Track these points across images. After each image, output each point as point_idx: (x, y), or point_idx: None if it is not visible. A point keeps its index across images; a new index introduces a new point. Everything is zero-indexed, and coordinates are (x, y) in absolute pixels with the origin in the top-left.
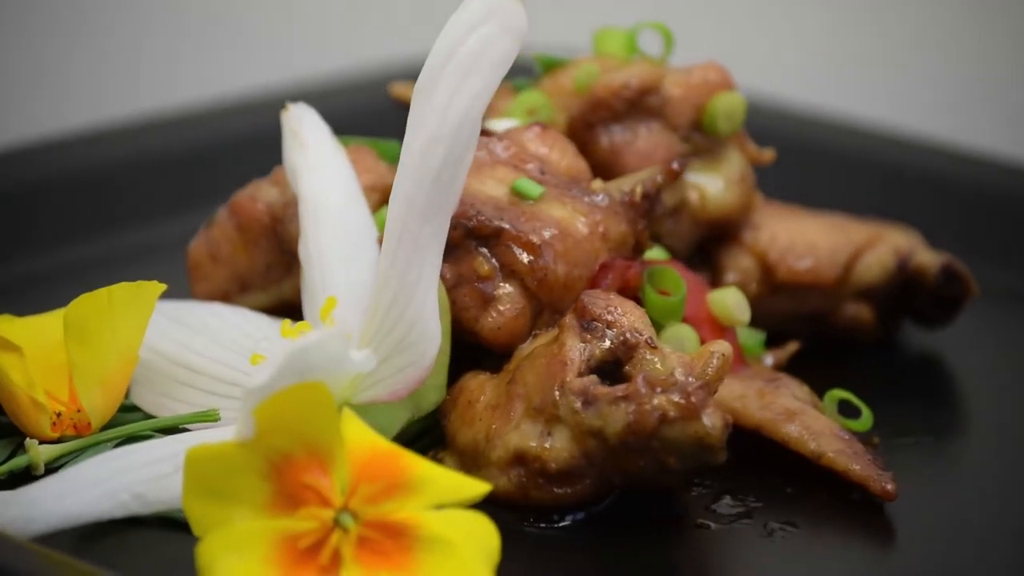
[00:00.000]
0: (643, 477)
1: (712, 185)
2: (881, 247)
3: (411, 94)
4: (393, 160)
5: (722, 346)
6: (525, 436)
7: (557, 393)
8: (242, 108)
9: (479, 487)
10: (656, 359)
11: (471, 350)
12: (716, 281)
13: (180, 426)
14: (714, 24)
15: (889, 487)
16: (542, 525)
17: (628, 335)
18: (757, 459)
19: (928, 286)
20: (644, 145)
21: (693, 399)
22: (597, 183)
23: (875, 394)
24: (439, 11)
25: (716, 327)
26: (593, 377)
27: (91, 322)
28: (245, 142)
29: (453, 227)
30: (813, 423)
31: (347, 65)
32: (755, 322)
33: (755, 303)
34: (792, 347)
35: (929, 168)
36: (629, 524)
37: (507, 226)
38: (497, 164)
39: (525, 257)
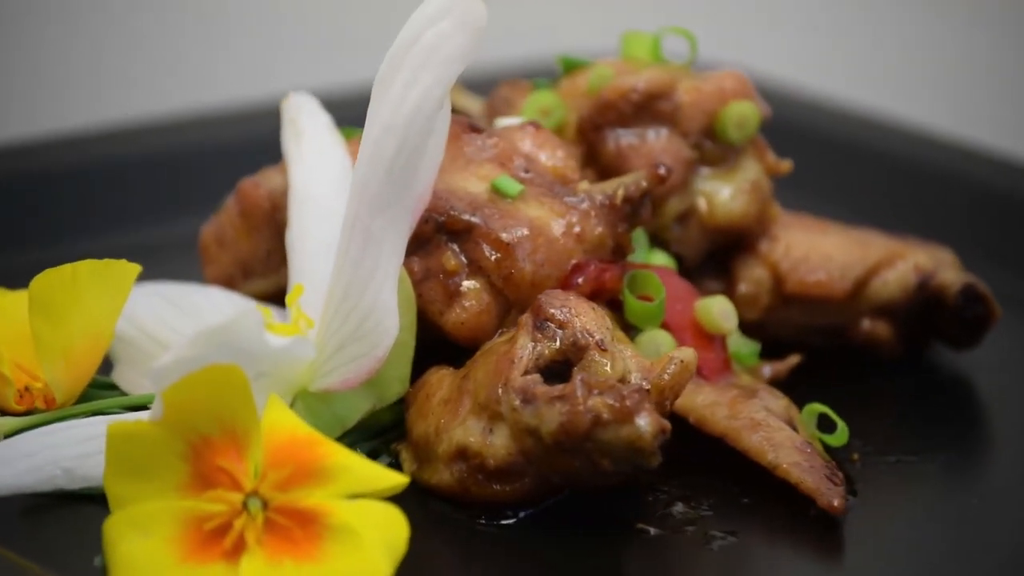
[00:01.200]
0: (580, 478)
1: (721, 193)
2: (902, 264)
3: (455, 94)
4: None
5: (684, 353)
6: (468, 432)
7: (500, 390)
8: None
9: (395, 479)
10: (606, 361)
11: (448, 345)
12: (730, 290)
13: (148, 405)
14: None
15: (836, 502)
16: (487, 522)
17: (578, 336)
18: (725, 468)
19: (949, 306)
20: (650, 150)
21: (627, 402)
22: (583, 184)
23: (879, 411)
24: None
25: (703, 334)
26: (535, 376)
27: (55, 297)
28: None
29: (424, 221)
30: (776, 435)
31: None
32: (769, 332)
33: (768, 314)
34: (793, 360)
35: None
36: (574, 524)
37: (478, 222)
38: (484, 161)
39: (493, 254)
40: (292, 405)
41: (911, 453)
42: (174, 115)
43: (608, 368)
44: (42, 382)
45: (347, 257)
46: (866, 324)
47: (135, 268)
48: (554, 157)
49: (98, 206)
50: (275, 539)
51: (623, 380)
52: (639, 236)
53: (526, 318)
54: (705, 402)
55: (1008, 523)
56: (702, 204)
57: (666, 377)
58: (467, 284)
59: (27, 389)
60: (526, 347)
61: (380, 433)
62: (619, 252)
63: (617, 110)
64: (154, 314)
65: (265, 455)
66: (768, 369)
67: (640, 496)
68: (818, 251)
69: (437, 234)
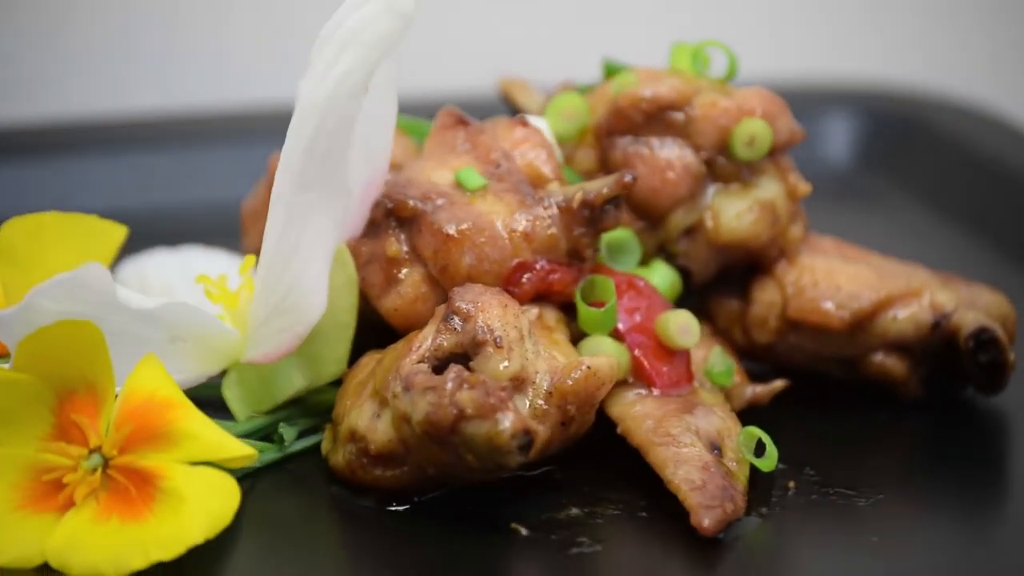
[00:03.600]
0: (451, 471)
1: (728, 210)
2: (916, 302)
3: (517, 90)
4: (416, 135)
5: (596, 361)
6: (361, 415)
7: (391, 377)
8: None
9: (241, 450)
10: (503, 359)
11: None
12: (745, 310)
13: None
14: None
15: (706, 523)
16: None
17: (478, 332)
18: (649, 480)
19: (961, 349)
20: (657, 160)
21: (491, 400)
22: (553, 185)
23: (855, 446)
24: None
25: (664, 347)
26: (422, 365)
27: (20, 245)
28: None
29: (376, 205)
30: (684, 451)
31: None
32: (783, 357)
33: (778, 337)
34: (777, 385)
35: None
36: (453, 517)
37: (425, 211)
38: (462, 153)
39: (433, 245)
40: (226, 375)
41: (851, 488)
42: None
43: (504, 365)
44: None
45: (272, 231)
46: (878, 358)
47: (119, 230)
48: (534, 156)
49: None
50: (111, 497)
51: (520, 380)
52: (631, 244)
53: (439, 309)
54: (638, 412)
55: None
56: (709, 220)
57: (569, 382)
58: (405, 272)
59: None
60: (427, 337)
61: (322, 413)
62: (575, 255)
63: (628, 118)
64: (161, 272)
65: (117, 413)
66: (750, 391)
67: (538, 497)
68: (831, 279)
69: (386, 219)
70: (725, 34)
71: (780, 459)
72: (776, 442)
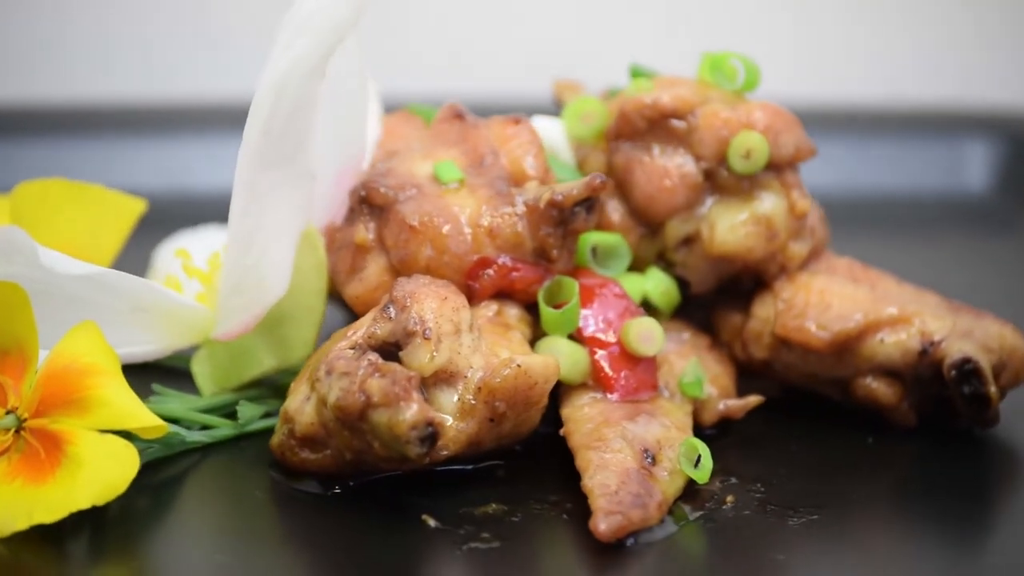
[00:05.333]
0: (365, 457)
1: (723, 222)
2: (907, 328)
3: (571, 92)
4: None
5: (529, 360)
6: (295, 397)
7: (321, 361)
8: None
9: (150, 421)
10: (431, 350)
11: None
12: (744, 325)
13: None
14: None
15: (601, 527)
16: (300, 490)
17: (410, 322)
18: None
19: (944, 379)
20: (655, 167)
21: (396, 388)
22: (531, 184)
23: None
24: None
25: (628, 353)
26: (348, 351)
27: (30, 209)
28: None
29: (352, 192)
30: (609, 457)
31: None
32: (779, 375)
33: (772, 354)
34: (752, 400)
35: None
36: (374, 504)
37: (395, 201)
38: (452, 146)
39: (396, 235)
40: (198, 350)
41: (791, 507)
42: None
43: (431, 357)
44: None
45: (234, 210)
46: (867, 382)
47: (136, 205)
48: (521, 155)
49: None
50: (22, 459)
51: (450, 373)
52: (620, 249)
53: (383, 297)
54: (584, 415)
55: None
56: (705, 230)
57: (498, 379)
58: (369, 260)
59: None
60: (363, 324)
61: None
62: (541, 255)
63: (631, 123)
64: (207, 248)
65: (39, 376)
66: (722, 404)
67: (466, 491)
68: (823, 299)
69: (359, 207)
70: (864, 57)
71: (735, 473)
72: (742, 457)
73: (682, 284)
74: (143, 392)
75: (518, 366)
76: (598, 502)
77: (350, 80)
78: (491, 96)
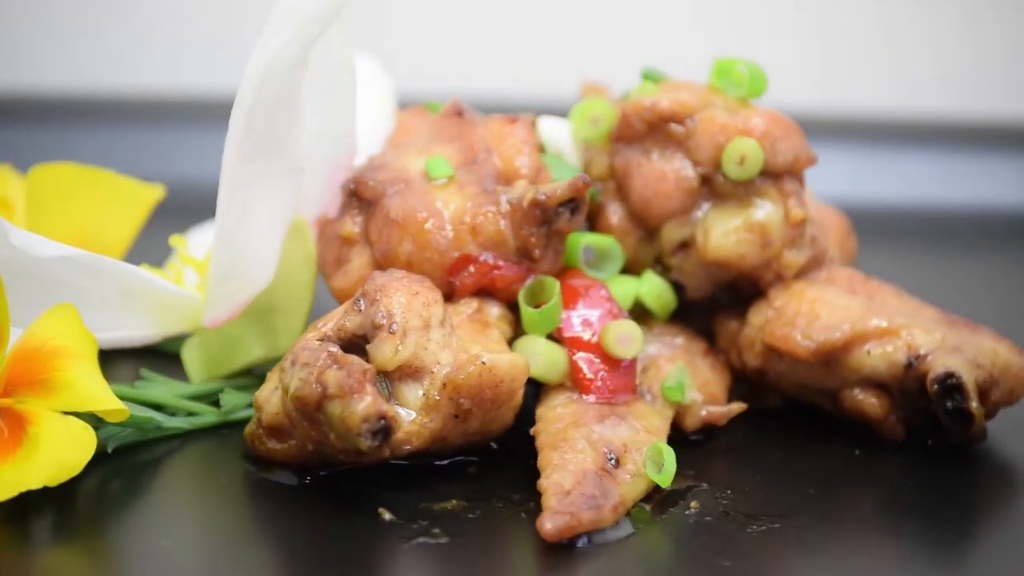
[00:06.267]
0: (324, 449)
1: (716, 228)
2: (894, 340)
3: (597, 95)
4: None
5: (496, 358)
6: (266, 386)
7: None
8: None
9: (112, 404)
10: (395, 344)
11: None
12: (740, 332)
13: None
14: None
15: (547, 526)
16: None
17: (377, 316)
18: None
19: (928, 393)
20: (652, 170)
21: (351, 380)
22: (520, 183)
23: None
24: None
25: (608, 355)
26: (315, 342)
27: (44, 193)
28: None
29: (344, 185)
30: (570, 457)
31: None
32: (771, 383)
33: (764, 362)
34: (734, 408)
35: None
36: (335, 495)
37: (383, 195)
38: (448, 143)
39: (378, 228)
40: (190, 338)
41: (753, 515)
42: None
43: (396, 351)
44: None
45: (221, 200)
46: (855, 394)
47: (152, 192)
48: (514, 153)
49: None
50: None
51: (415, 368)
52: (613, 252)
53: (359, 290)
54: (556, 415)
55: None
56: (700, 235)
57: (462, 376)
58: (355, 253)
59: None
60: (335, 316)
61: None
62: (524, 254)
63: (631, 127)
64: None
65: (8, 357)
66: (705, 411)
67: (432, 486)
68: (814, 308)
69: (350, 200)
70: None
71: (709, 479)
72: (722, 464)
73: (679, 289)
74: (133, 377)
75: (483, 363)
76: (549, 501)
77: (338, 74)
78: (508, 96)
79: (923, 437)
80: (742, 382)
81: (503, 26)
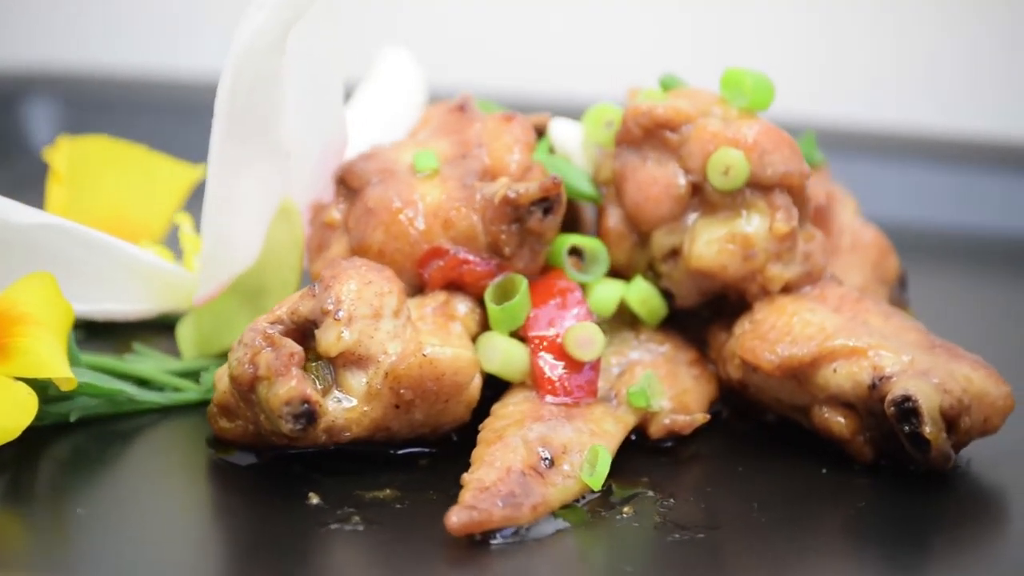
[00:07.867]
0: (262, 431)
1: (702, 237)
2: (860, 360)
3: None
4: None
5: (439, 351)
6: (224, 365)
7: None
8: None
9: (61, 372)
10: (340, 331)
11: None
12: (725, 343)
13: None
14: None
15: (452, 519)
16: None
17: (326, 302)
18: None
19: (888, 416)
20: (644, 175)
21: (278, 363)
22: (501, 180)
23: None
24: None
25: (571, 356)
26: (264, 324)
27: (72, 165)
28: None
29: (335, 173)
30: (500, 454)
31: None
32: (749, 395)
33: (744, 374)
34: (698, 418)
35: None
36: (276, 477)
37: (367, 184)
38: (443, 137)
39: (355, 216)
40: (185, 315)
41: (684, 526)
42: None
43: (340, 337)
44: None
45: (208, 182)
46: (823, 412)
47: (191, 172)
48: (505, 151)
49: None
50: None
51: (360, 356)
52: (599, 255)
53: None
54: (505, 412)
55: None
56: (687, 244)
57: (403, 367)
58: (334, 239)
59: None
60: (292, 300)
61: None
62: (495, 251)
63: (629, 132)
64: None
65: None
66: (669, 419)
67: (373, 475)
68: (790, 323)
69: (339, 186)
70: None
71: (658, 487)
72: (677, 472)
73: (670, 296)
74: (125, 350)
75: (424, 356)
76: (464, 496)
77: (324, 61)
78: (546, 95)
79: (891, 460)
80: (740, 395)
81: (543, 27)
